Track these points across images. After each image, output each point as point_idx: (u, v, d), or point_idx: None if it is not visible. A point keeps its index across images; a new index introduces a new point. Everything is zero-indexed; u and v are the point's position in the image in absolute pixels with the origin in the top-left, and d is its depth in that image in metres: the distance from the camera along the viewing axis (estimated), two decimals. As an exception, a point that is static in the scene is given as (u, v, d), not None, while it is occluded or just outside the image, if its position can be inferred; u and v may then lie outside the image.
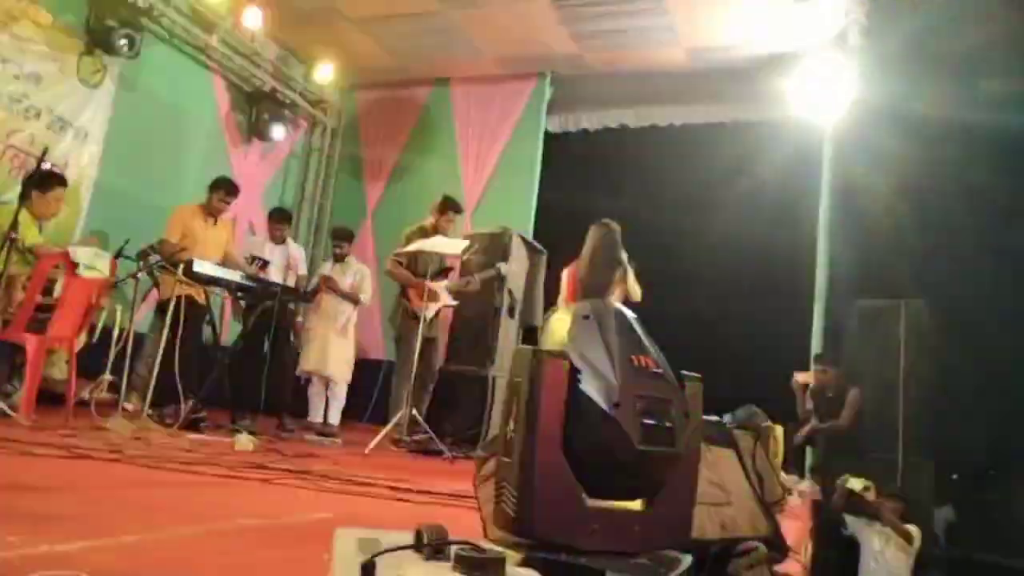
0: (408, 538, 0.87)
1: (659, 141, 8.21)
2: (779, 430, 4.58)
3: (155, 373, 4.53)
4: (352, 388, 6.06)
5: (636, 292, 5.31)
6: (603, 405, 1.12)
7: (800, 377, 6.41)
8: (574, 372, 1.16)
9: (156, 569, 1.46)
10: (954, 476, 6.98)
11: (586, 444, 1.13)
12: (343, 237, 6.19)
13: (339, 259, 6.12)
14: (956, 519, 8.51)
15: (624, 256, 5.22)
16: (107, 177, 6.69)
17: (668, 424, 1.14)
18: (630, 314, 1.29)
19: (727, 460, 1.87)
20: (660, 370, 1.18)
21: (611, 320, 1.24)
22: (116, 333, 4.65)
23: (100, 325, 4.94)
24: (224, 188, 5.39)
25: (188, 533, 1.84)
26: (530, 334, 6.69)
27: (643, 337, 1.24)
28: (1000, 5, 6.50)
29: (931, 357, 6.48)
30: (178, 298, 4.69)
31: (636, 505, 1.20)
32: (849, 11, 6.57)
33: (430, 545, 0.82)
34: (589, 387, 1.14)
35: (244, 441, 3.95)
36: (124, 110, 6.86)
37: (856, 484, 5.44)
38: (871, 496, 5.44)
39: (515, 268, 6.44)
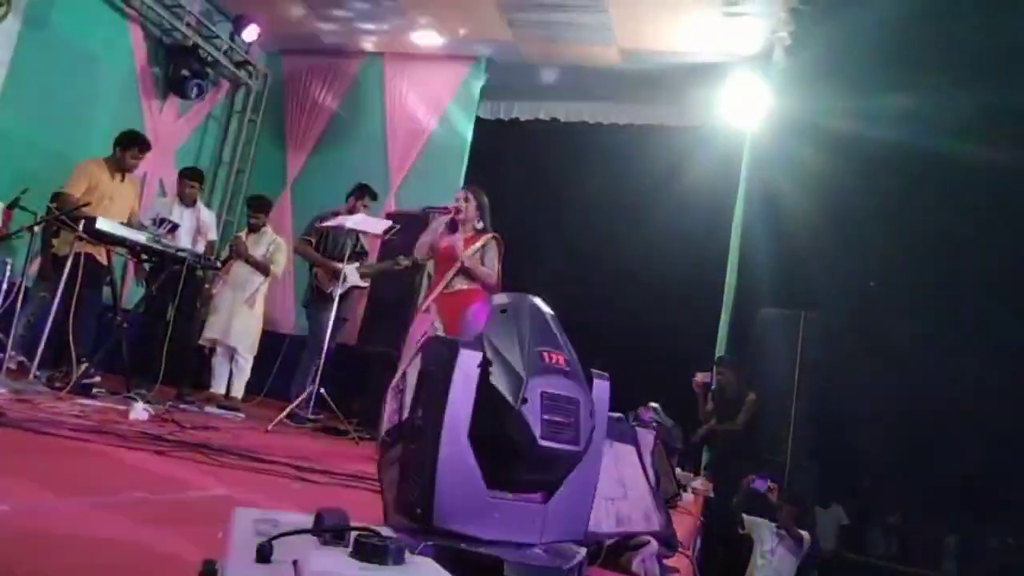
0: (308, 521, 0.85)
1: (588, 138, 8.33)
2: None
3: (46, 333, 4.29)
4: (254, 360, 5.89)
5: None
6: (510, 399, 1.14)
7: (700, 377, 6.63)
8: (486, 364, 1.17)
9: (25, 542, 1.38)
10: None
11: (492, 436, 1.14)
12: (260, 208, 5.99)
13: (254, 229, 5.92)
14: (849, 522, 8.97)
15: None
16: (4, 121, 6.24)
17: (572, 421, 1.16)
18: (546, 309, 1.31)
19: (628, 456, 1.93)
20: (569, 368, 1.20)
21: (526, 315, 1.25)
22: (4, 288, 4.37)
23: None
24: (138, 145, 5.15)
25: (68, 505, 1.75)
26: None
27: (556, 333, 1.26)
28: (894, 28, 6.89)
29: (826, 367, 6.84)
30: (76, 255, 4.44)
31: (536, 498, 1.22)
32: (775, 29, 6.82)
33: (329, 530, 0.82)
34: (498, 381, 1.16)
35: (139, 410, 3.78)
36: (28, 50, 6.40)
37: (762, 485, 5.70)
38: (773, 498, 5.72)
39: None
